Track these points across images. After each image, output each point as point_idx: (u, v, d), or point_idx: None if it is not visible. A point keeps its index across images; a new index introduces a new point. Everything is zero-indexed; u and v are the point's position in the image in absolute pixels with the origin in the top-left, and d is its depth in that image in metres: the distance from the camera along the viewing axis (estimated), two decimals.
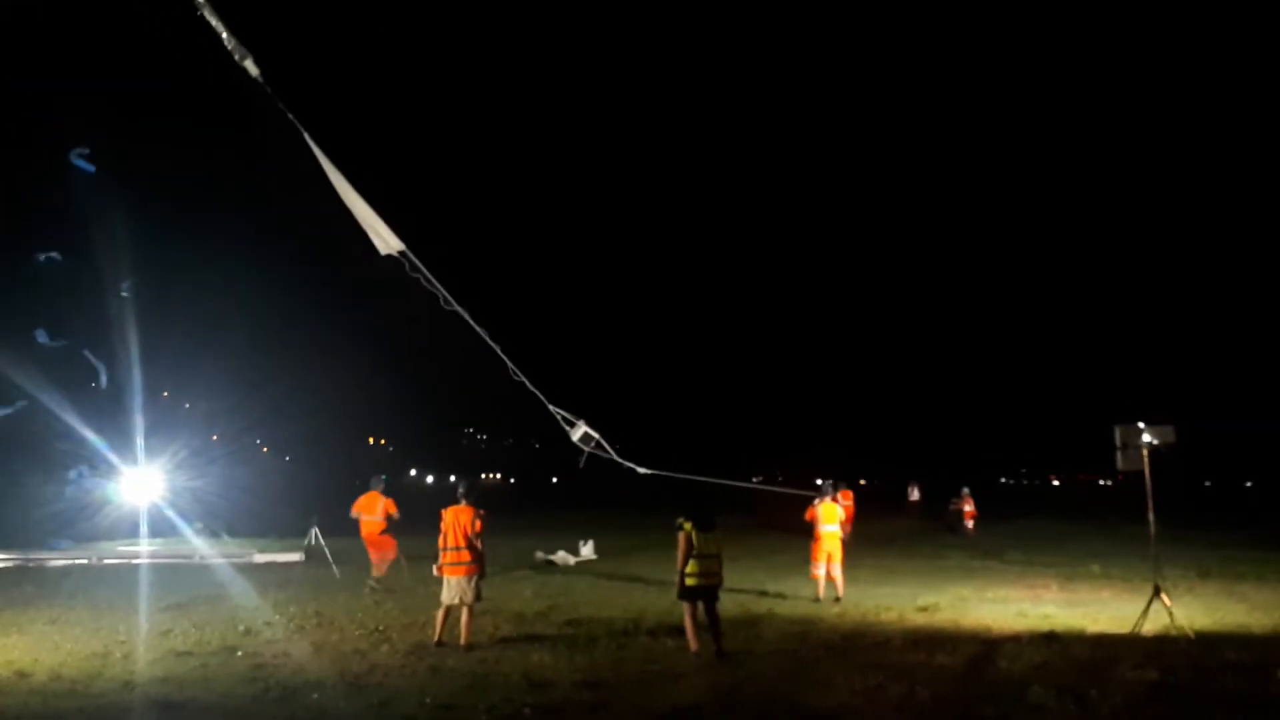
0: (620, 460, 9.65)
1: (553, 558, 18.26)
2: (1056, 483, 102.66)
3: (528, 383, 9.38)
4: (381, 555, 14.52)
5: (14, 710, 7.40)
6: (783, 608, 12.94)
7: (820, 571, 13.67)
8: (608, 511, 36.23)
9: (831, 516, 13.79)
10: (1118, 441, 11.02)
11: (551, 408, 9.45)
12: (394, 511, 14.63)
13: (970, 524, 27.91)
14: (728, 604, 13.04)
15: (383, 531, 14.59)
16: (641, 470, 9.95)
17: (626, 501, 25.48)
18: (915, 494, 36.75)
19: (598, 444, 9.61)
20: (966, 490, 28.68)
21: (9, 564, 16.80)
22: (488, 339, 9.20)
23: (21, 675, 8.52)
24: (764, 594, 14.29)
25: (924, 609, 12.79)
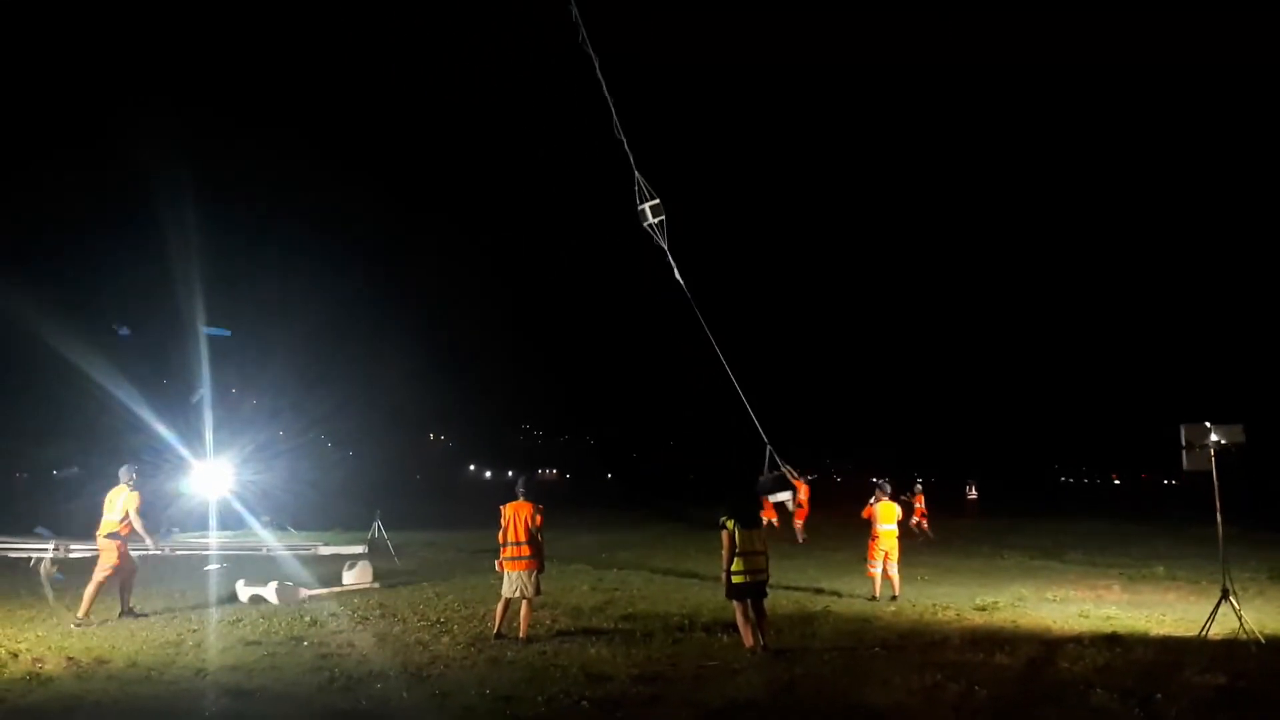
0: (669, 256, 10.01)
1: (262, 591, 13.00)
2: (1118, 481, 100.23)
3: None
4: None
5: (94, 696, 7.73)
6: (839, 605, 12.90)
7: (877, 570, 13.59)
8: (657, 508, 36.35)
9: (890, 515, 13.70)
10: (1184, 441, 10.77)
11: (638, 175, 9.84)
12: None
13: (924, 523, 24.49)
14: (782, 600, 13.11)
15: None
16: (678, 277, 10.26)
17: (679, 496, 25.57)
18: (973, 492, 36.22)
19: (658, 225, 9.91)
20: (920, 486, 25.69)
21: (85, 554, 17.43)
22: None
23: (100, 662, 8.87)
24: (819, 591, 14.26)
25: (982, 608, 12.66)
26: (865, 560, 14.07)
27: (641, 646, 9.84)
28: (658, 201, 10.31)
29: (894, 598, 13.34)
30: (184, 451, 16.23)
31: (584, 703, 7.55)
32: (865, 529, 14.18)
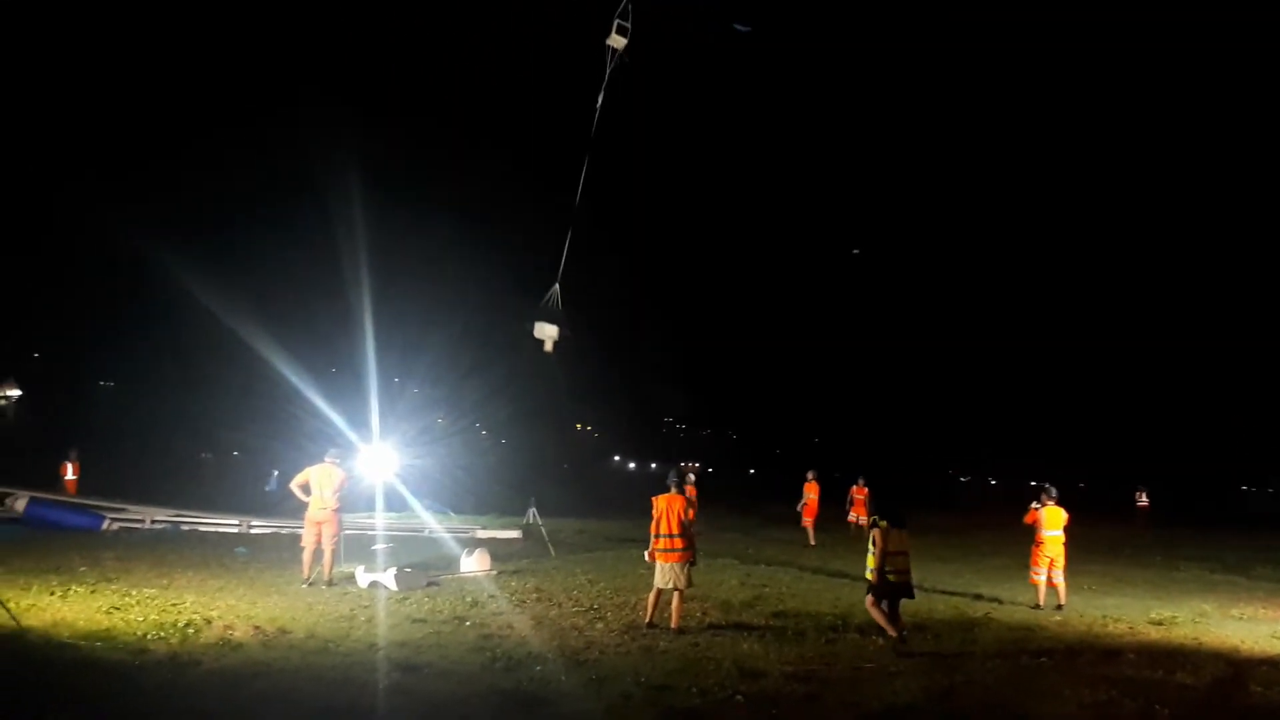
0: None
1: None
2: None
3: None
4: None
5: (279, 663, 8.27)
6: (1000, 612, 12.42)
7: (1041, 577, 12.99)
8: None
9: (1056, 521, 13.06)
10: None
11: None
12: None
13: (860, 520, 21.78)
14: (940, 605, 12.74)
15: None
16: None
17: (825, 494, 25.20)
18: (1143, 499, 34.16)
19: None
20: (862, 479, 22.97)
21: (264, 530, 18.68)
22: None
23: (283, 631, 9.48)
24: (979, 597, 13.76)
25: (1158, 623, 11.93)
26: (1027, 567, 13.48)
27: (794, 644, 9.76)
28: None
29: (1059, 607, 12.73)
30: (353, 436, 17.09)
31: (739, 697, 7.56)
32: (1026, 535, 13.60)
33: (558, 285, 10.25)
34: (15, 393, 45.88)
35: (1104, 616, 12.24)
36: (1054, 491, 13.38)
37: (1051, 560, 12.92)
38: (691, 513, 10.35)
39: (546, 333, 10.54)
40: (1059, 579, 12.95)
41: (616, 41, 10.21)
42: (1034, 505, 13.40)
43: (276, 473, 15.36)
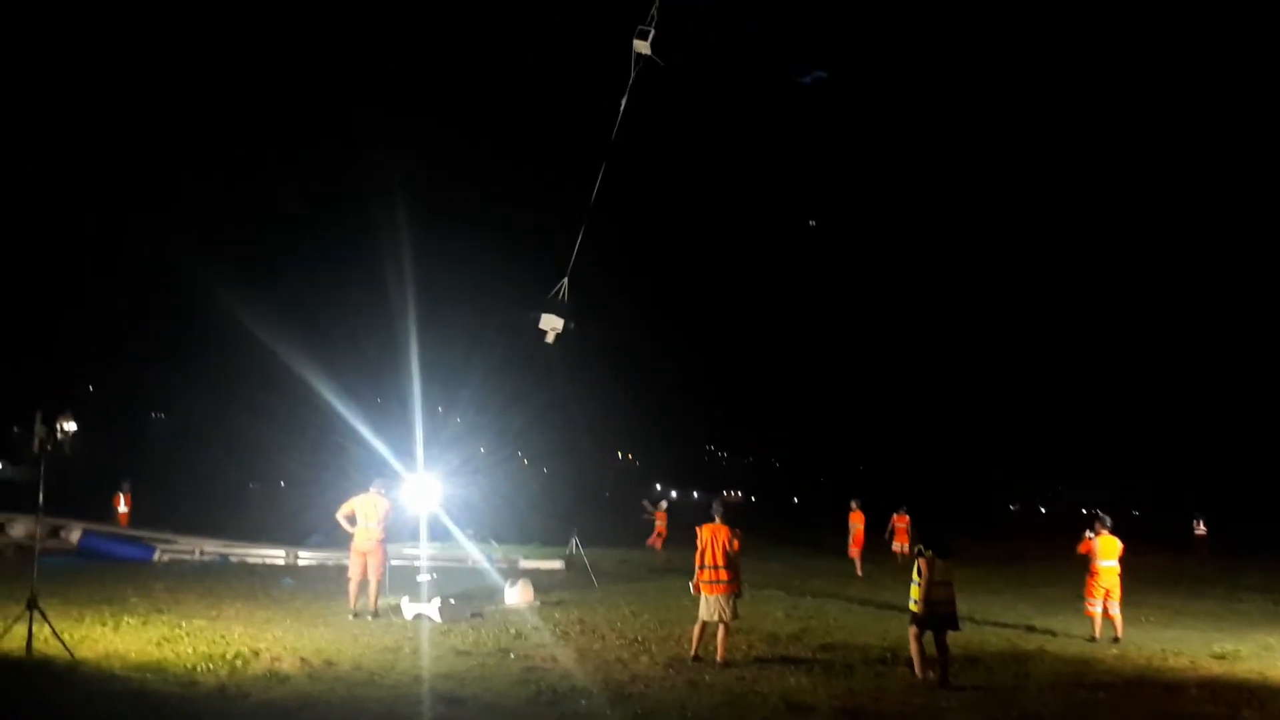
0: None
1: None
2: None
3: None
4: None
5: (325, 695, 8.29)
6: (1054, 645, 12.11)
7: (1096, 608, 12.66)
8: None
9: (1111, 551, 12.73)
10: None
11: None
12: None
13: (903, 549, 21.92)
14: (991, 638, 12.46)
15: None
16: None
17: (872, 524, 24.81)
18: (1201, 528, 33.27)
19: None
20: (904, 508, 23.28)
21: (311, 562, 18.84)
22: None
23: (329, 664, 9.51)
24: (1031, 629, 13.44)
25: (1221, 657, 11.55)
26: (1082, 598, 13.16)
27: (842, 678, 9.59)
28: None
29: (1116, 639, 12.39)
30: (398, 465, 17.21)
31: None
32: (1080, 565, 13.29)
33: (566, 279, 10.29)
34: (71, 426, 46.89)
35: (1163, 650, 11.89)
36: (1108, 520, 13.07)
37: (1107, 591, 12.59)
38: (737, 543, 10.24)
39: (551, 324, 10.58)
40: (1115, 610, 12.61)
41: (641, 47, 10.28)
42: (1088, 534, 13.10)
43: (316, 535, 15.59)
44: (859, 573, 20.47)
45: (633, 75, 10.34)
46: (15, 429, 45.81)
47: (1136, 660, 11.24)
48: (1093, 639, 12.48)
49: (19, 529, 17.88)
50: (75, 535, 18.31)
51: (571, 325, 10.54)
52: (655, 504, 27.41)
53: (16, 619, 9.18)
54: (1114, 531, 12.92)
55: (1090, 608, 12.74)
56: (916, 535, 13.03)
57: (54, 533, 18.27)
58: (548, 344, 10.76)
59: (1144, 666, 10.87)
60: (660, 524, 25.71)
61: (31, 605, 9.15)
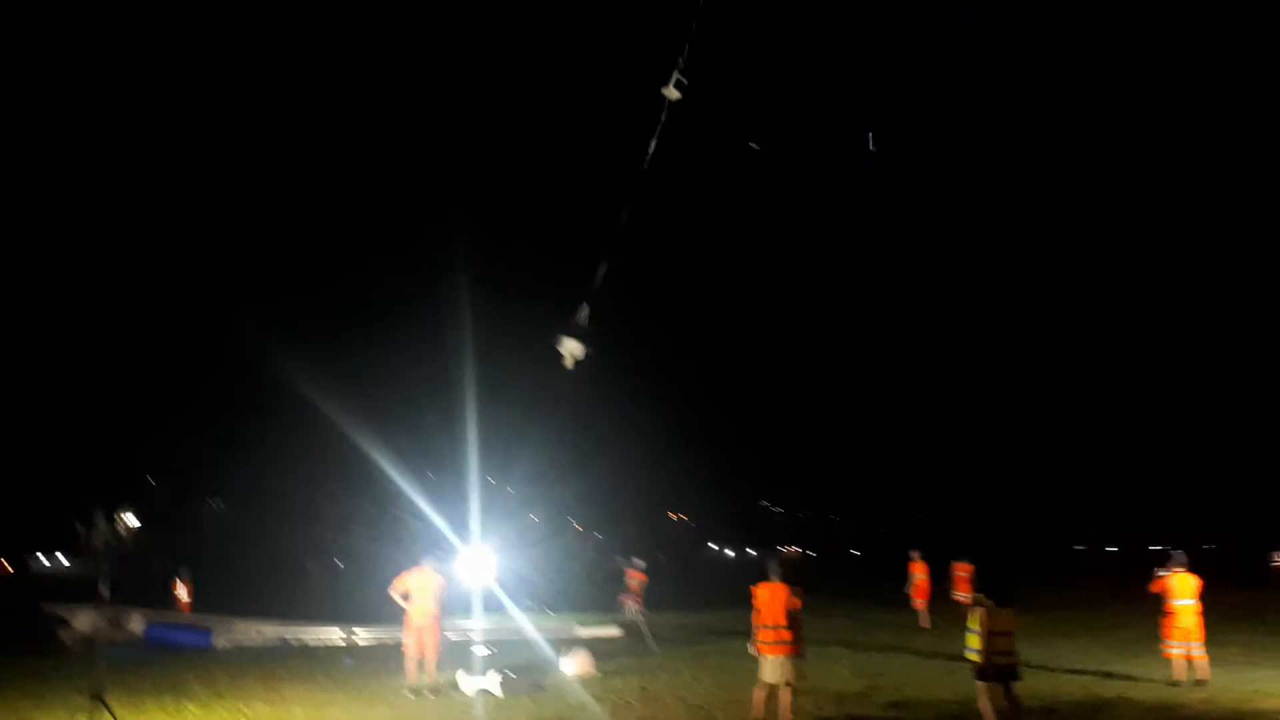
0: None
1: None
2: None
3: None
4: None
5: None
6: (1134, 691, 11.62)
7: (1176, 650, 12.15)
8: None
9: (1186, 589, 12.25)
10: None
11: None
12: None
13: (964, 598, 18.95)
14: (1067, 685, 12.04)
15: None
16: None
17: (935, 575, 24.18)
18: (1278, 559, 32.05)
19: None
20: (966, 556, 21.22)
21: (371, 641, 18.79)
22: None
23: None
24: (1109, 675, 12.93)
25: None
26: (1160, 640, 12.66)
27: None
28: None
29: (1200, 682, 11.86)
30: (453, 539, 17.21)
31: None
32: (1155, 605, 12.81)
33: (586, 305, 10.30)
34: (133, 521, 47.78)
35: (1255, 691, 11.37)
36: (1181, 556, 12.61)
37: (1187, 631, 12.09)
38: (798, 601, 10.01)
39: (569, 349, 10.54)
40: (1198, 651, 12.10)
41: (672, 94, 10.38)
42: (1160, 572, 12.64)
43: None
44: (925, 624, 19.92)
45: (663, 119, 10.41)
46: (77, 524, 46.74)
47: (1225, 703, 10.75)
48: (1176, 683, 11.96)
49: (84, 622, 18.09)
50: (138, 625, 18.49)
51: (591, 353, 10.53)
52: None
53: (82, 713, 9.24)
54: (1189, 568, 12.45)
55: (1169, 650, 12.24)
56: (977, 583, 12.64)
57: (117, 623, 18.46)
58: (566, 368, 10.75)
59: (1233, 710, 10.40)
60: (634, 582, 23.59)
61: (98, 697, 9.21)
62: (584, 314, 10.20)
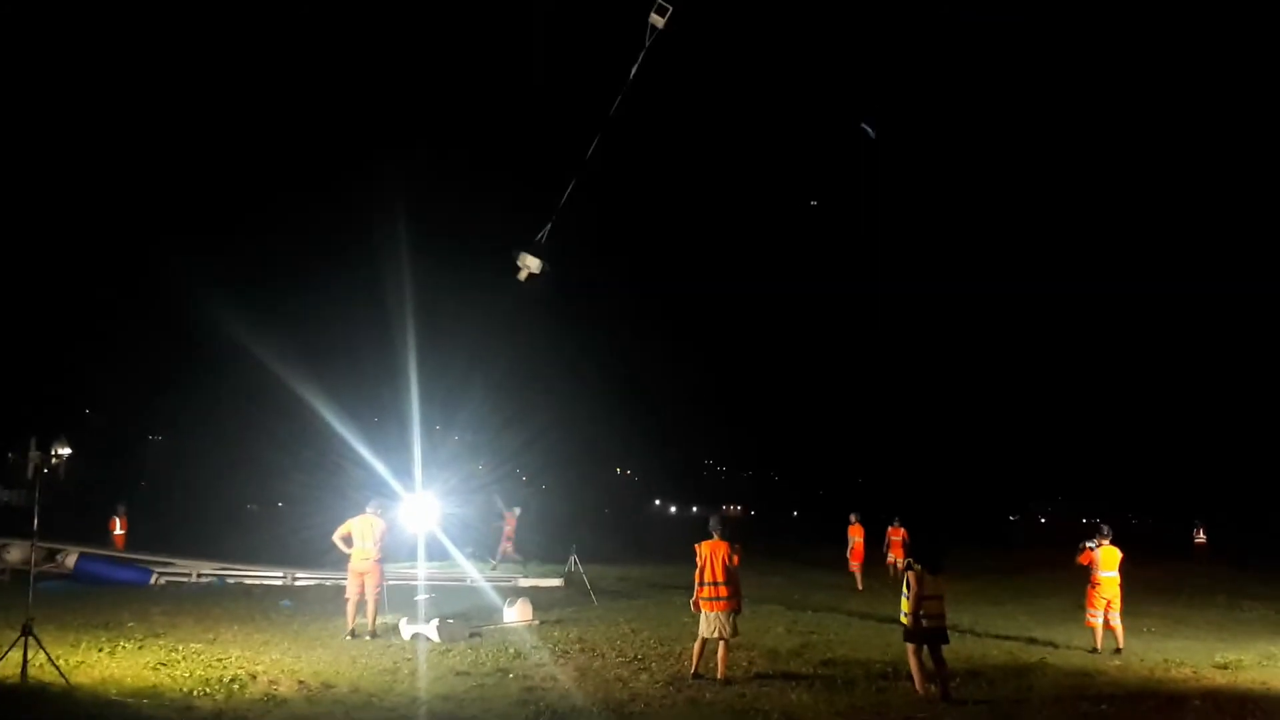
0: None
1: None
2: None
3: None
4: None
5: (322, 718, 8.23)
6: (1055, 657, 12.05)
7: (1098, 620, 12.62)
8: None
9: (1111, 561, 12.71)
10: None
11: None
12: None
13: (897, 562, 21.51)
14: (993, 650, 12.43)
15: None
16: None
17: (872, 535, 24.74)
18: (1201, 536, 33.25)
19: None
20: (898, 520, 22.90)
21: (308, 583, 18.73)
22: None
23: (327, 686, 9.44)
24: (1033, 641, 13.38)
25: (1224, 667, 11.50)
26: (1083, 608, 13.13)
27: (843, 693, 9.55)
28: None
29: (1117, 650, 12.34)
30: (396, 485, 17.17)
31: None
32: (1080, 576, 13.26)
33: (549, 225, 10.35)
34: (66, 451, 46.80)
35: (1166, 660, 11.84)
36: (1108, 530, 13.05)
37: (1108, 602, 12.56)
38: (737, 559, 10.20)
39: (528, 263, 10.61)
40: (1116, 621, 12.58)
41: (656, 20, 10.28)
42: (1087, 545, 13.07)
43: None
44: (859, 586, 20.38)
45: (646, 44, 10.27)
46: (10, 454, 45.68)
47: (1139, 671, 11.19)
48: (1095, 650, 12.43)
49: (14, 554, 17.73)
50: (71, 559, 18.18)
51: (548, 268, 10.58)
52: (508, 507, 25.43)
53: (11, 645, 9.11)
54: (1114, 541, 12.90)
55: (1092, 619, 12.71)
56: (910, 548, 13.04)
57: (50, 557, 18.15)
58: (519, 280, 10.79)
59: (1146, 678, 10.82)
60: (509, 528, 23.81)
61: (26, 631, 9.09)
62: (544, 232, 10.22)
